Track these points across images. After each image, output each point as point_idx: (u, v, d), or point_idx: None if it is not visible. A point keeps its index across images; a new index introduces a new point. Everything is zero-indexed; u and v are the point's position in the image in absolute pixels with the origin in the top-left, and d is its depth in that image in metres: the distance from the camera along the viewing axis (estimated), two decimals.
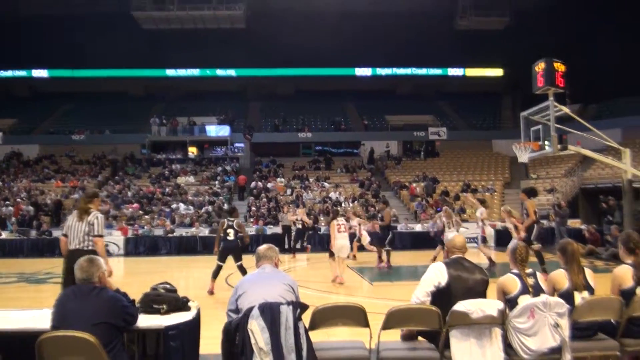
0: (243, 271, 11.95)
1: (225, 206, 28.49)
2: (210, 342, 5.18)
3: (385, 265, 16.43)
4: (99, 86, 44.94)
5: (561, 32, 37.94)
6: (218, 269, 12.27)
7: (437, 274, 5.05)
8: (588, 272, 5.34)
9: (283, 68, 45.74)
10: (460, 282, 4.99)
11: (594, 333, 5.11)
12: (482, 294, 5.01)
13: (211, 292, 11.97)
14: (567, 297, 5.07)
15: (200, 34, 42.78)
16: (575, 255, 5.31)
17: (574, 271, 5.23)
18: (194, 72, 46.35)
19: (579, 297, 5.10)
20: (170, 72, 45.98)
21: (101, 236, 7.32)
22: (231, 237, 12.22)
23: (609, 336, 5.10)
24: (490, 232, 17.95)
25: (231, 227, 12.29)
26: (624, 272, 5.31)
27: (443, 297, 4.94)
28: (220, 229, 12.50)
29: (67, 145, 39.21)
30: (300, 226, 23.90)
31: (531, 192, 14.40)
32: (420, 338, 5.19)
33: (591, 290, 5.21)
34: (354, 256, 19.43)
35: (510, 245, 5.48)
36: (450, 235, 15.28)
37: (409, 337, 5.17)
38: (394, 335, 5.21)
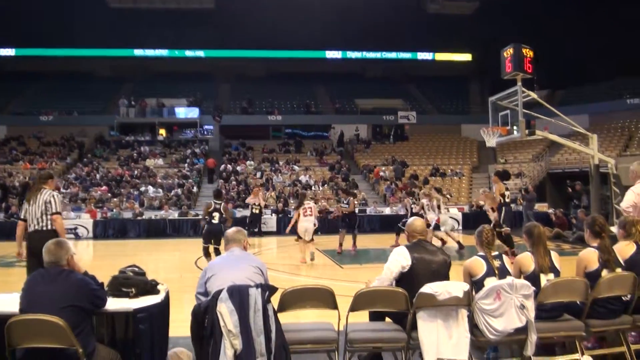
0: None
1: (195, 189, 28.29)
2: (180, 324, 5.19)
3: (352, 249, 16.46)
4: (67, 66, 43.97)
5: (530, 18, 38.28)
6: (206, 250, 12.26)
7: (400, 259, 5.12)
8: (554, 254, 5.43)
9: (253, 50, 45.45)
10: (424, 265, 5.06)
11: (560, 314, 5.20)
12: (446, 276, 5.10)
13: None
14: (534, 279, 5.16)
15: (169, 14, 42.28)
16: (542, 237, 5.39)
17: (540, 254, 5.30)
18: (163, 52, 45.78)
19: (545, 280, 5.18)
20: (138, 52, 45.34)
21: (59, 213, 7.16)
22: (216, 220, 12.10)
23: (575, 317, 5.21)
24: (445, 218, 17.63)
25: (217, 210, 12.15)
26: (590, 255, 5.41)
27: (407, 280, 5.01)
28: (206, 211, 12.43)
29: (35, 126, 38.43)
30: (257, 211, 23.24)
31: (503, 176, 14.49)
32: (387, 319, 5.27)
33: (557, 273, 5.30)
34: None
35: (478, 228, 5.55)
36: (429, 216, 15.37)
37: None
38: (362, 317, 5.29)
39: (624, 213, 7.66)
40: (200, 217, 25.18)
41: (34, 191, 7.34)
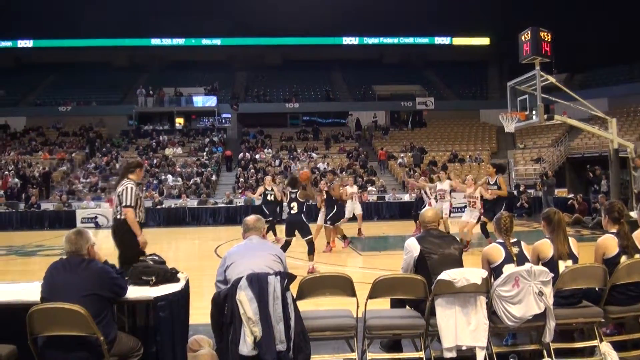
0: (311, 247, 10.69)
1: (214, 177, 28.31)
2: (200, 312, 5.24)
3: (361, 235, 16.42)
4: (84, 56, 44.38)
5: (549, 1, 37.82)
6: (287, 244, 10.67)
7: (410, 251, 5.20)
8: (572, 241, 5.40)
9: (269, 37, 45.47)
10: (435, 253, 5.12)
11: (579, 300, 5.19)
12: (458, 262, 5.13)
13: None
14: (552, 265, 5.14)
15: (186, 2, 42.34)
16: (561, 224, 5.35)
17: (559, 240, 5.27)
18: (179, 41, 46.10)
19: (563, 266, 5.16)
20: (155, 42, 45.58)
21: (129, 206, 7.08)
22: (295, 210, 10.64)
23: (593, 303, 5.18)
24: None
25: (294, 200, 10.69)
26: (608, 241, 5.39)
27: (421, 269, 5.07)
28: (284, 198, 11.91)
29: (53, 117, 38.87)
30: (272, 198, 16.96)
31: (500, 168, 14.19)
32: (407, 307, 5.29)
33: (575, 259, 5.28)
34: None
35: (496, 215, 5.54)
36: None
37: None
38: (382, 304, 5.32)
39: None
40: (219, 205, 25.47)
41: (118, 180, 7.47)
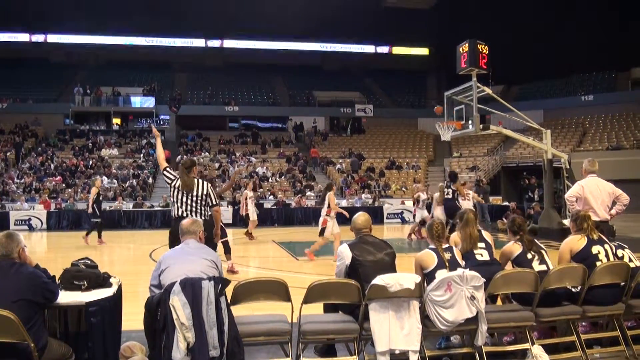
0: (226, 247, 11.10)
1: (150, 180, 27.90)
2: (134, 318, 5.17)
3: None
4: (21, 52, 43.02)
5: (487, 14, 38.84)
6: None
7: (342, 258, 5.25)
8: (485, 232, 5.91)
9: (210, 39, 45.18)
10: (366, 259, 5.16)
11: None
12: (390, 267, 5.19)
13: None
14: (469, 256, 5.61)
15: (125, 0, 41.61)
16: (469, 221, 5.84)
17: (471, 229, 5.77)
18: (120, 39, 45.13)
19: (479, 254, 5.66)
20: (93, 39, 44.63)
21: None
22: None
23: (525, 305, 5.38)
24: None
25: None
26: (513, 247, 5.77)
27: (354, 275, 5.10)
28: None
29: None
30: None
31: (452, 177, 14.99)
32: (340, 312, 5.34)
33: (489, 247, 5.79)
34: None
35: (428, 222, 5.74)
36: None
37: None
38: (318, 309, 5.35)
39: (567, 202, 8.03)
40: (155, 208, 25.07)
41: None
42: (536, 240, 5.83)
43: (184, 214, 7.11)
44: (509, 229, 5.92)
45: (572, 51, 37.72)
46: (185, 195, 7.21)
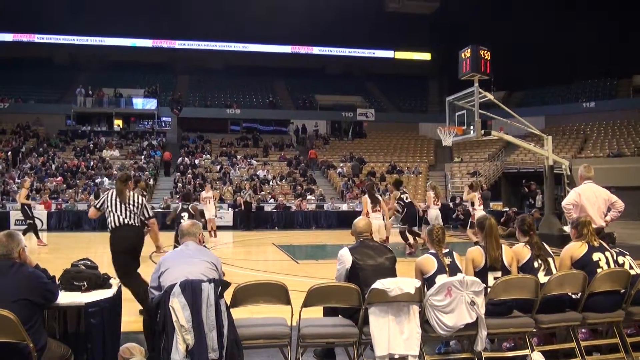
0: None
1: (151, 181, 27.86)
2: (133, 319, 5.16)
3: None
4: (24, 52, 43.01)
5: (489, 20, 38.83)
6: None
7: (343, 262, 5.25)
8: (505, 249, 5.59)
9: (212, 41, 45.19)
10: (367, 263, 5.18)
11: (510, 311, 5.33)
12: (392, 271, 5.21)
13: None
14: (483, 273, 5.38)
15: (128, 2, 41.60)
16: (493, 230, 5.53)
17: (492, 246, 5.46)
18: (122, 41, 45.11)
19: (492, 278, 5.33)
20: (98, 41, 44.63)
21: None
22: (185, 220, 11.09)
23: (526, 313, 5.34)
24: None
25: (186, 210, 12.20)
26: (520, 249, 5.71)
27: (354, 279, 5.10)
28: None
29: None
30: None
31: (397, 184, 15.44)
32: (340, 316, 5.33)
33: (506, 271, 5.46)
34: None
35: (428, 227, 5.69)
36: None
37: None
38: (318, 313, 5.34)
39: (564, 210, 8.00)
40: (155, 209, 25.05)
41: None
42: (545, 245, 5.80)
43: (124, 222, 7.19)
44: (519, 228, 5.85)
45: (574, 58, 37.74)
46: (122, 203, 7.21)
